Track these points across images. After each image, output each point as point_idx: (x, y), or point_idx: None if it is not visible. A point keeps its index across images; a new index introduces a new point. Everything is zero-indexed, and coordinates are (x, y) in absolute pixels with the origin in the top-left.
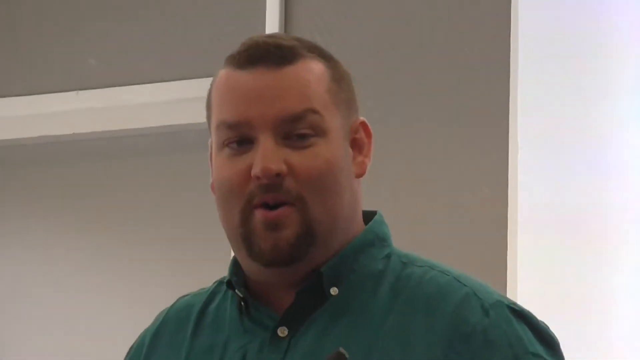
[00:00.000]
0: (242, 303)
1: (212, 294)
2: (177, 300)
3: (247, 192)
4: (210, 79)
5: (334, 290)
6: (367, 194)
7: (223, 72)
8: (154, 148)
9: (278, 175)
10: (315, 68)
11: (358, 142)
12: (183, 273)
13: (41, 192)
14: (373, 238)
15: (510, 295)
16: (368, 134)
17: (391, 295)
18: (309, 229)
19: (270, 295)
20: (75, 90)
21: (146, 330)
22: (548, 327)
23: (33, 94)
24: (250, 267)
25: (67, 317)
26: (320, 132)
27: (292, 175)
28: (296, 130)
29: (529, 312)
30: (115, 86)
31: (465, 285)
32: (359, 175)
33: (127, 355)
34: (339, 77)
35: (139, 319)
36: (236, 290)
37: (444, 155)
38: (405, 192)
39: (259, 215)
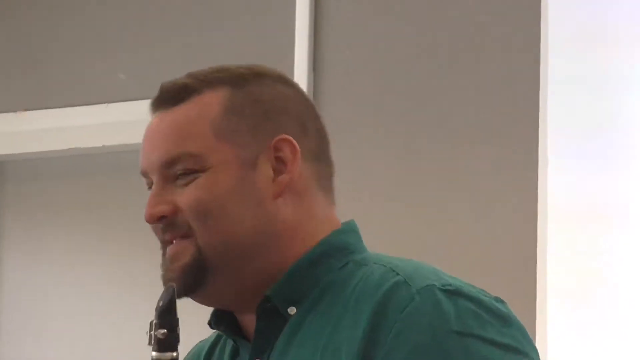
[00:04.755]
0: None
1: (219, 335)
2: (195, 345)
3: (157, 232)
4: None
5: (291, 310)
6: (393, 207)
7: None
8: None
9: (162, 217)
10: (206, 102)
11: (282, 160)
12: None
13: (70, 205)
14: (327, 249)
15: (540, 298)
16: (292, 150)
17: (336, 303)
18: (198, 258)
19: (246, 325)
20: (105, 103)
21: None
22: (496, 301)
23: (63, 107)
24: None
25: (90, 328)
26: (202, 169)
27: (181, 212)
28: (177, 171)
29: (469, 289)
30: (144, 99)
31: (398, 274)
32: (276, 196)
33: None
34: (243, 105)
35: None
36: (217, 330)
37: (474, 170)
38: (432, 194)
39: (166, 251)
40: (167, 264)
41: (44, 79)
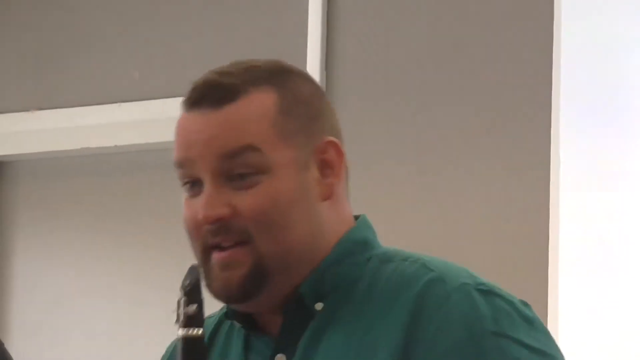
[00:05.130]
0: (246, 331)
1: (219, 323)
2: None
3: (201, 234)
4: None
5: (318, 306)
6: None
7: (180, 115)
8: None
9: (220, 220)
10: (259, 103)
11: (327, 163)
12: None
13: (81, 205)
14: (350, 246)
15: (551, 299)
16: (338, 153)
17: (366, 298)
18: (259, 267)
19: (265, 320)
20: (118, 102)
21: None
22: (523, 304)
23: (75, 106)
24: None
25: (102, 328)
26: (262, 169)
27: (238, 217)
28: (236, 169)
29: (501, 290)
30: (157, 98)
31: (432, 270)
32: (326, 197)
33: None
34: (291, 105)
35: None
36: (233, 321)
37: (485, 163)
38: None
39: (214, 257)
40: (217, 271)
41: (56, 78)
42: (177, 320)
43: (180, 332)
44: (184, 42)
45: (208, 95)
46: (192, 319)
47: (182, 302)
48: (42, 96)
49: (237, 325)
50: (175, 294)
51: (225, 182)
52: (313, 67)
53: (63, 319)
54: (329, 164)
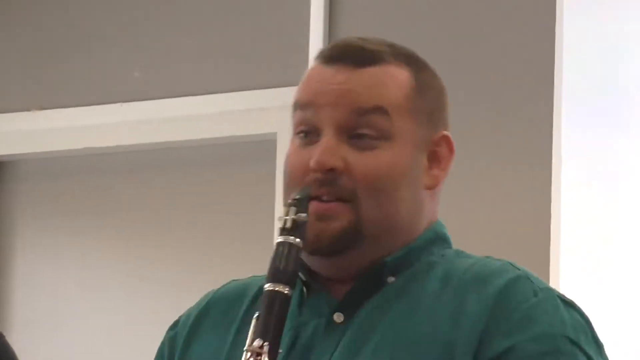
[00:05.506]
0: (304, 288)
1: (257, 280)
2: (227, 283)
3: (305, 183)
4: (255, 91)
5: (390, 279)
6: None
7: (310, 67)
8: (196, 160)
9: (332, 170)
10: (397, 74)
11: (437, 155)
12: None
13: (84, 204)
14: (434, 237)
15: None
16: (450, 149)
17: (442, 281)
18: (357, 227)
19: (329, 287)
20: (119, 102)
21: (189, 311)
22: (593, 327)
23: (77, 106)
24: (306, 257)
25: (103, 327)
26: (385, 135)
27: (349, 174)
28: (361, 128)
29: (580, 308)
30: (159, 98)
31: (519, 269)
32: (430, 187)
33: (167, 333)
34: (424, 88)
35: None
36: (300, 274)
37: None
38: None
39: (312, 206)
40: (312, 220)
41: (59, 77)
42: (282, 227)
43: (281, 238)
44: (186, 42)
45: (350, 54)
46: (297, 227)
47: (290, 210)
48: (43, 96)
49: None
50: (176, 292)
51: (346, 138)
52: None
53: (64, 317)
54: (439, 157)
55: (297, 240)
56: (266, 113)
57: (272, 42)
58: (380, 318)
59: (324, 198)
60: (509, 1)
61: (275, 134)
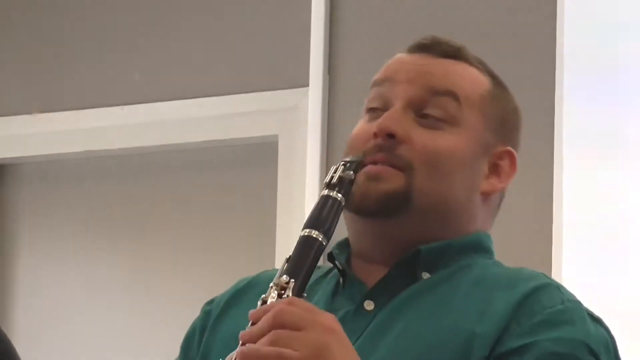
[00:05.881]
0: (341, 279)
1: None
2: (261, 272)
3: (364, 148)
4: (256, 94)
5: (425, 275)
6: None
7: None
8: (198, 163)
9: (392, 136)
10: (476, 74)
11: (498, 167)
12: (226, 285)
13: (83, 208)
14: (477, 244)
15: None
16: (512, 166)
17: (474, 283)
18: (407, 193)
19: (367, 273)
20: (120, 105)
21: (226, 291)
22: (617, 346)
23: (77, 109)
24: (350, 223)
25: (105, 329)
26: (453, 120)
27: (409, 144)
28: (431, 107)
29: (607, 326)
30: (159, 101)
31: (550, 279)
32: (485, 192)
33: (202, 308)
34: (499, 97)
35: (184, 332)
36: (336, 262)
37: None
38: None
39: (366, 168)
40: (363, 180)
41: (59, 80)
42: (328, 182)
43: (325, 191)
44: (186, 44)
45: (434, 45)
46: (342, 184)
47: (339, 167)
48: (44, 99)
49: (335, 266)
50: (178, 295)
51: (414, 115)
52: (316, 71)
53: (65, 322)
54: (499, 169)
55: (340, 195)
56: (267, 115)
57: (273, 44)
58: (408, 309)
59: (379, 162)
60: (509, 4)
61: (276, 136)
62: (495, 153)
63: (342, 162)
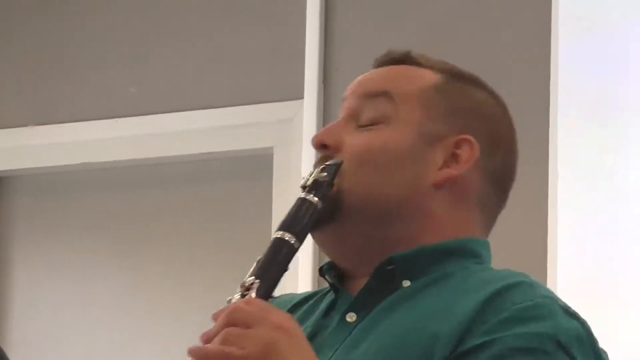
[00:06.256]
0: (334, 294)
1: (315, 293)
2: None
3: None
4: (251, 106)
5: (405, 283)
6: None
7: None
8: (193, 175)
9: (325, 147)
10: (420, 73)
11: (457, 156)
12: (224, 299)
13: (80, 220)
14: (459, 249)
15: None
16: (472, 152)
17: (450, 288)
18: (337, 196)
19: (355, 286)
20: (115, 117)
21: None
22: (602, 350)
23: (73, 122)
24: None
25: (103, 342)
26: (386, 119)
27: (342, 151)
28: (366, 111)
29: (585, 322)
30: (154, 113)
31: (527, 277)
32: (436, 183)
33: None
34: (448, 91)
35: (183, 347)
36: (326, 277)
37: None
38: None
39: None
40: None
41: (54, 93)
42: (303, 184)
43: (302, 194)
44: (181, 57)
45: (384, 57)
46: (316, 185)
47: (316, 170)
48: (39, 111)
49: (331, 286)
50: (175, 307)
51: (355, 123)
52: (311, 84)
53: (62, 333)
54: (457, 158)
55: (316, 198)
56: (263, 128)
57: (268, 57)
58: (384, 319)
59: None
60: (505, 8)
61: (271, 148)
62: (451, 142)
63: (322, 166)
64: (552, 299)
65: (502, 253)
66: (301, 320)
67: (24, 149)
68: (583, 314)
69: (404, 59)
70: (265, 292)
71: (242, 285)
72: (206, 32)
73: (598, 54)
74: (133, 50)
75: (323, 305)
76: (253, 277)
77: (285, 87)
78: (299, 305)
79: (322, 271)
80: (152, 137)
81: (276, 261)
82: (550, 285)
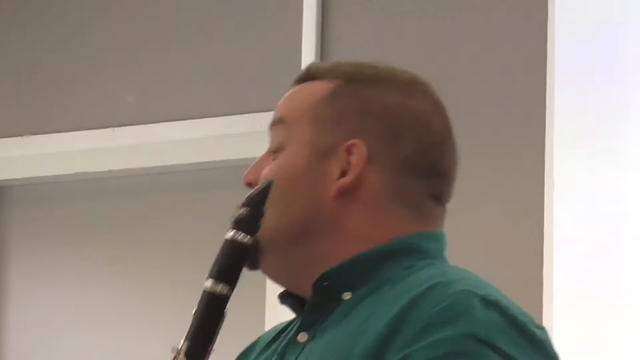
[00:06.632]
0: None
1: (290, 323)
2: (272, 328)
3: None
4: (247, 115)
5: (346, 295)
6: None
7: None
8: (189, 185)
9: (249, 184)
10: (316, 87)
11: (349, 164)
12: None
13: (77, 229)
14: (399, 248)
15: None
16: (359, 155)
17: (387, 296)
18: (261, 236)
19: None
20: (111, 127)
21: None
22: (535, 326)
23: (69, 131)
24: None
25: (100, 351)
26: (285, 143)
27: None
28: (272, 141)
29: (510, 306)
30: (151, 123)
31: (445, 277)
32: (333, 195)
33: None
34: (342, 96)
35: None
36: (282, 303)
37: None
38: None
39: None
40: None
41: (50, 103)
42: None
43: (229, 234)
44: (177, 67)
45: (296, 78)
46: (239, 222)
47: (238, 206)
48: (35, 121)
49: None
50: (169, 316)
51: (272, 154)
52: None
53: (58, 343)
54: (350, 165)
55: (248, 237)
56: (259, 137)
57: (264, 66)
58: (325, 335)
59: None
60: (500, 25)
61: None
62: (341, 150)
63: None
64: (467, 293)
65: (499, 257)
66: (276, 347)
67: (20, 158)
68: (580, 318)
69: (305, 76)
70: (198, 352)
71: (173, 349)
72: (202, 41)
73: (597, 56)
74: (129, 60)
75: (294, 329)
76: (183, 339)
77: (281, 97)
78: (281, 332)
79: (280, 299)
80: (148, 147)
81: (208, 316)
82: (546, 288)
